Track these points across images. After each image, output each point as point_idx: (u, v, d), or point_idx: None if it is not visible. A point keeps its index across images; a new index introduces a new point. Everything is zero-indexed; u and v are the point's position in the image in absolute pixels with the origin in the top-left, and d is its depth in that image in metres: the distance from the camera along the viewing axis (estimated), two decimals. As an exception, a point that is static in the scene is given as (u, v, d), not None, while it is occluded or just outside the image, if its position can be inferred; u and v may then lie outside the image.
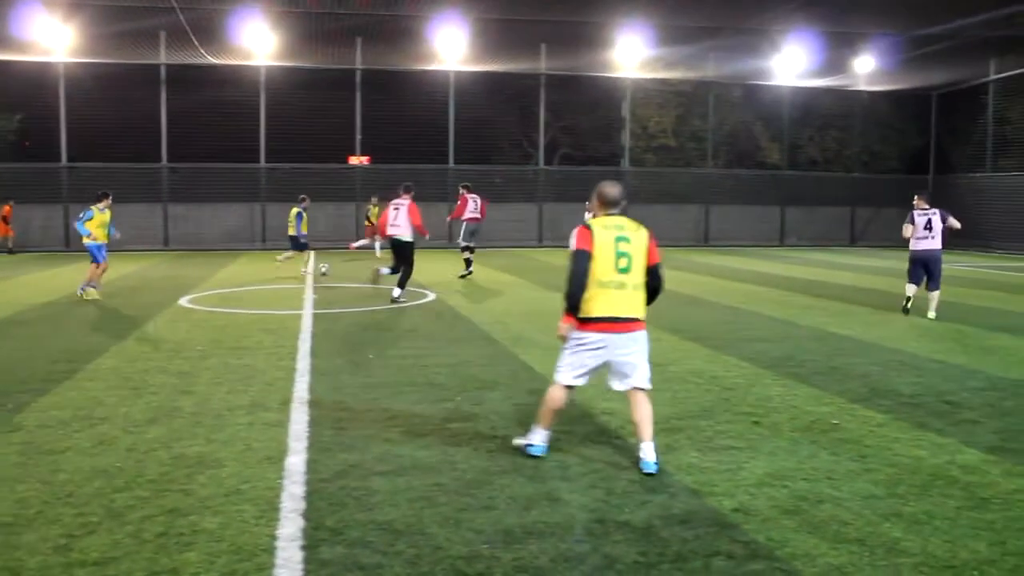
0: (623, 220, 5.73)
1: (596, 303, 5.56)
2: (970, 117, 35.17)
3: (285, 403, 7.35)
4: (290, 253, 20.58)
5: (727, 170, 37.84)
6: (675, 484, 5.28)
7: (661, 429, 6.49)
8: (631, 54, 31.34)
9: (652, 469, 5.48)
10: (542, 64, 32.54)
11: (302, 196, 20.76)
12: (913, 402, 7.59)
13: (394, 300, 14.46)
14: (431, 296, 15.65)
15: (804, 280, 19.52)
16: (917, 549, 4.40)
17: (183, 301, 14.87)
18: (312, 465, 5.64)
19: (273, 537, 4.47)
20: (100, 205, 15.49)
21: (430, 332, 11.46)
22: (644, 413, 5.67)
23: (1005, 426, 6.84)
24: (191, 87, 31.07)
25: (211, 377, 8.44)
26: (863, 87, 36.01)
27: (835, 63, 32.82)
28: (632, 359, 5.66)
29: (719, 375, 8.60)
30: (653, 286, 5.75)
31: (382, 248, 25.13)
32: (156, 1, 24.83)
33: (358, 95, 32.09)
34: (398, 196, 15.11)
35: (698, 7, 27.14)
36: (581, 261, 5.54)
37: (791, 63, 32.28)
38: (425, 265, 22.46)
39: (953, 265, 25.30)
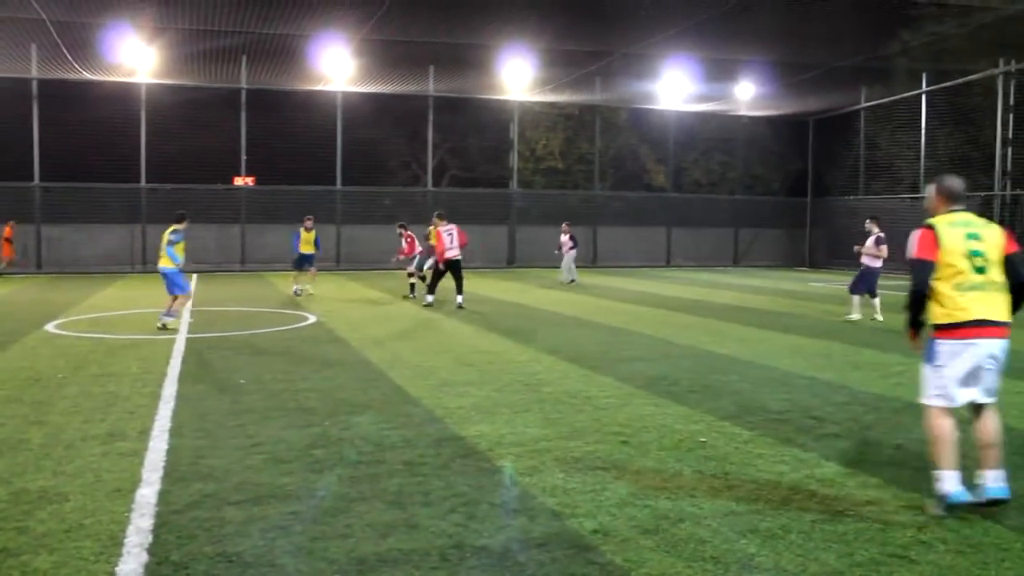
0: (970, 216, 5.25)
1: (955, 307, 5.09)
2: (844, 142, 36.69)
3: (144, 432, 7.03)
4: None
5: (614, 192, 38.49)
6: (537, 507, 5.22)
7: (527, 451, 6.46)
8: (519, 77, 31.62)
9: (1004, 494, 5.08)
10: (430, 86, 32.54)
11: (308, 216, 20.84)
12: (780, 418, 7.76)
13: (459, 306, 16.73)
14: (311, 319, 15.35)
15: (686, 300, 19.92)
16: (770, 564, 4.44)
17: (50, 326, 14.20)
18: (164, 496, 5.38)
19: (112, 575, 4.22)
20: (182, 227, 13.95)
21: (305, 355, 11.20)
22: (995, 430, 5.20)
23: (864, 439, 7.05)
24: (67, 104, 29.89)
25: (68, 406, 8.03)
26: (744, 112, 37.17)
27: (718, 89, 33.81)
28: (995, 368, 5.17)
29: (593, 395, 8.63)
30: (1015, 281, 5.18)
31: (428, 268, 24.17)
32: (24, 12, 23.77)
33: (243, 115, 31.43)
34: (442, 223, 17.35)
35: (583, 32, 27.59)
36: (921, 272, 5.13)
37: (676, 88, 33.10)
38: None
39: (830, 284, 26.27)
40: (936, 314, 5.18)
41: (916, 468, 6.19)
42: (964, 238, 5.13)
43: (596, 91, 34.19)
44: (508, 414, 7.72)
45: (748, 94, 34.28)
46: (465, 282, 17.55)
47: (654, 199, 38.34)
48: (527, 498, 5.39)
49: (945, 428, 5.17)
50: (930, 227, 5.20)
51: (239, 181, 32.51)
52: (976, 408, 5.26)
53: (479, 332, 13.63)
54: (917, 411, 8.06)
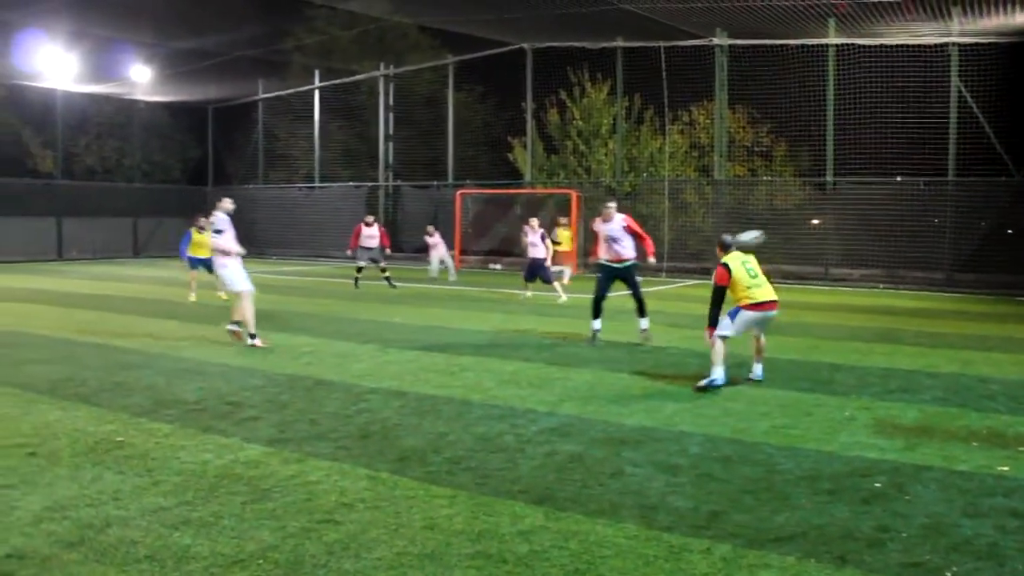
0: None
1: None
2: (244, 131, 37.26)
3: None
4: None
5: (-9, 178, 34.30)
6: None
7: (-87, 476, 5.57)
8: None
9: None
10: None
11: None
12: (198, 407, 7.72)
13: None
14: None
15: (86, 295, 18.62)
16: (207, 552, 4.45)
17: None
18: None
19: None
20: None
21: None
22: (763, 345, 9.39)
23: (282, 418, 7.35)
24: None
25: None
26: (141, 96, 35.67)
27: (111, 70, 31.90)
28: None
29: (-12, 406, 7.71)
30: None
31: None
32: None
33: None
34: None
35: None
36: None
37: (63, 66, 30.46)
38: None
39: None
40: None
41: (334, 440, 6.65)
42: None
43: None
44: None
45: (144, 78, 32.90)
46: None
47: (40, 186, 34.97)
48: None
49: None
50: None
51: None
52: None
53: None
54: (328, 387, 8.67)
